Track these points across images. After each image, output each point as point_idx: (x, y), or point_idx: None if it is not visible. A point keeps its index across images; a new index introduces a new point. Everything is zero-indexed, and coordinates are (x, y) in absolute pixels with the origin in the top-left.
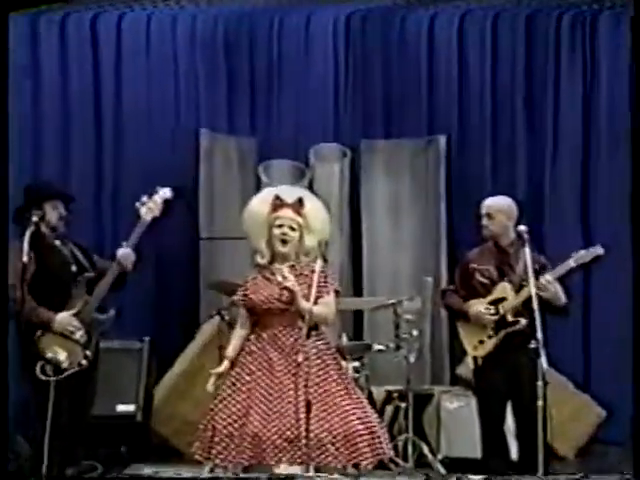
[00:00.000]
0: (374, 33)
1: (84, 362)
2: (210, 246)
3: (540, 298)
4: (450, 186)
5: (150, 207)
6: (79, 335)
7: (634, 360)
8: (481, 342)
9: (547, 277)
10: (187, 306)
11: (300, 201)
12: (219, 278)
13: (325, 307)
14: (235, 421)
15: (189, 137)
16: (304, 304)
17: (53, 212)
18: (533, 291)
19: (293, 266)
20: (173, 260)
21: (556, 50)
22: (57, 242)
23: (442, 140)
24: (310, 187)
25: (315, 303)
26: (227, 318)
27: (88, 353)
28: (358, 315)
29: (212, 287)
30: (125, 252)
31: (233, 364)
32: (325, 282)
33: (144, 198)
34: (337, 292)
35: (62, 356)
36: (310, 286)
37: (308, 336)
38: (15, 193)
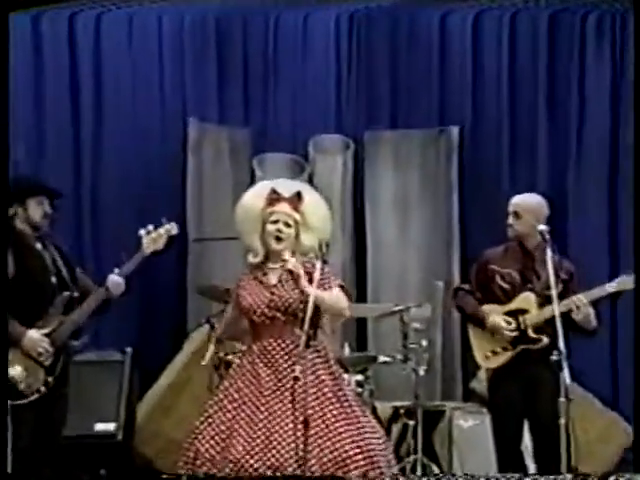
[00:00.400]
0: (381, 22)
1: (43, 389)
2: (199, 247)
3: (568, 316)
4: (463, 180)
5: (154, 238)
6: (45, 358)
7: (635, 361)
8: (494, 353)
9: (580, 298)
10: (174, 313)
11: (298, 195)
12: (209, 282)
13: (333, 295)
14: (218, 443)
15: (176, 127)
16: (309, 288)
17: (37, 209)
18: (557, 308)
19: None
20: (158, 262)
21: (581, 46)
22: (38, 245)
23: (455, 131)
24: (310, 182)
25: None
26: (218, 327)
27: (50, 380)
28: (362, 323)
29: (201, 292)
30: (116, 280)
31: (222, 377)
32: (327, 278)
33: (150, 227)
34: (342, 287)
35: (21, 377)
36: (311, 281)
37: (307, 345)
38: None
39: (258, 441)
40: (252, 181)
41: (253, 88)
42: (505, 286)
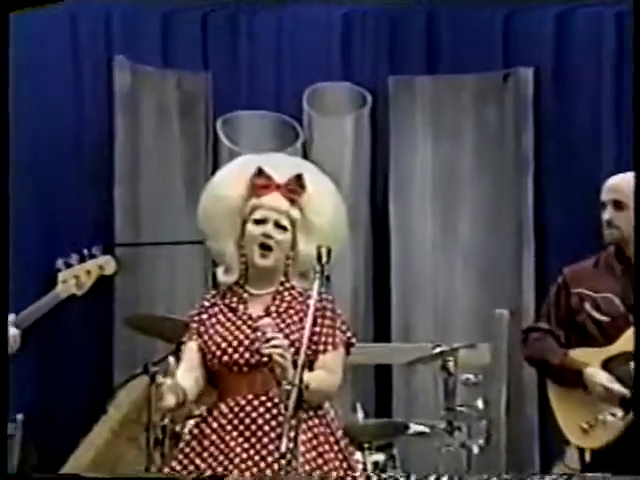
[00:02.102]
0: None
1: None
2: (132, 258)
3: None
4: (540, 152)
5: (76, 277)
6: None
7: (635, 362)
8: (593, 424)
9: None
10: (92, 359)
11: (298, 180)
12: (147, 311)
13: (327, 374)
14: None
15: (97, 75)
16: (295, 377)
17: None
18: None
19: (279, 293)
20: None
21: None
22: None
23: (527, 74)
24: (304, 156)
25: (309, 362)
26: (161, 379)
27: None
28: (383, 374)
29: (133, 324)
30: (10, 334)
31: (166, 456)
32: (329, 325)
33: (73, 258)
34: (349, 345)
35: None
36: (302, 329)
37: (295, 414)
38: None
39: None
40: (215, 154)
41: (215, 14)
42: (601, 318)
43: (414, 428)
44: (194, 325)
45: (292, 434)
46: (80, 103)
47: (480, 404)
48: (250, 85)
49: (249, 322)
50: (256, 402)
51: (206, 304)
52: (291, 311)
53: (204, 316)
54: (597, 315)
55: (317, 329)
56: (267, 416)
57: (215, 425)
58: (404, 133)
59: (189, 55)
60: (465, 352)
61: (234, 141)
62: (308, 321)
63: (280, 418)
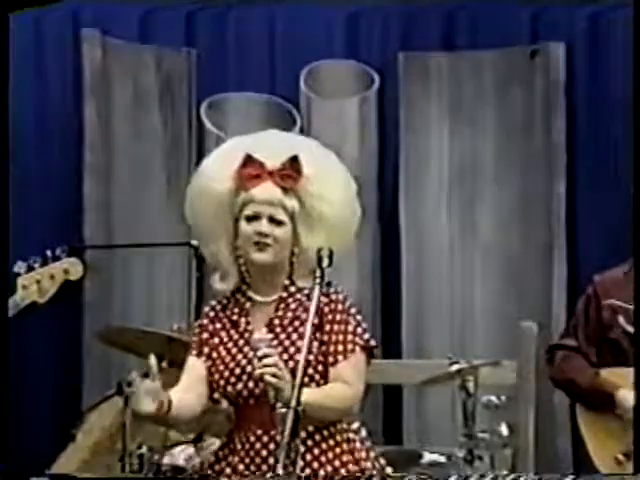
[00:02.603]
0: None
1: None
2: (102, 260)
3: None
4: (573, 137)
5: (38, 281)
6: None
7: (635, 362)
8: (628, 457)
9: None
10: (56, 377)
11: (293, 164)
12: (119, 322)
13: (340, 387)
14: None
15: (61, 45)
16: (293, 397)
17: None
18: None
19: (283, 301)
20: None
21: None
22: None
23: (558, 50)
24: None
25: (315, 374)
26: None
27: None
28: (393, 394)
29: (105, 338)
30: None
31: None
32: (337, 331)
33: (33, 261)
34: (369, 348)
35: None
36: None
37: (292, 439)
38: None
39: None
40: (199, 143)
41: None
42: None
43: (428, 457)
44: (195, 339)
45: (292, 459)
46: (42, 83)
47: (504, 430)
48: (239, 63)
49: (247, 338)
50: (266, 438)
51: (205, 322)
52: (297, 322)
53: (204, 335)
54: (632, 329)
55: (325, 337)
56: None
57: (231, 459)
58: (416, 118)
59: (170, 28)
60: (487, 370)
61: (221, 127)
62: (306, 335)
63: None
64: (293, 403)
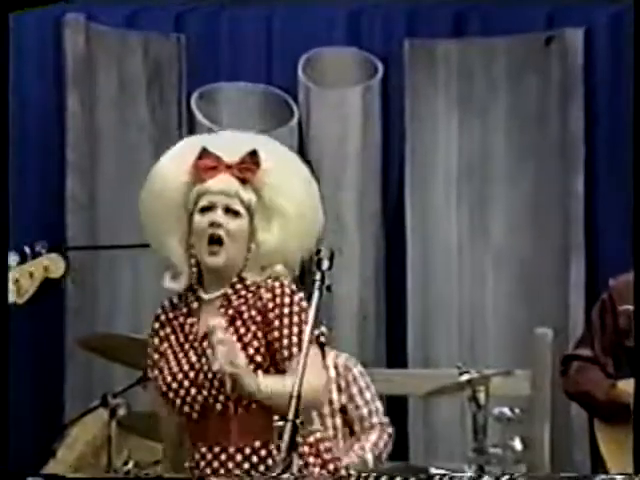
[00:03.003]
0: None
1: None
2: (86, 262)
3: None
4: (591, 129)
5: (16, 282)
6: None
7: (634, 362)
8: None
9: None
10: (37, 387)
11: (252, 157)
12: (104, 328)
13: (312, 376)
14: None
15: (41, 31)
16: (254, 384)
17: None
18: None
19: (227, 298)
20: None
21: None
22: None
23: (575, 36)
24: (300, 138)
25: (272, 367)
26: (121, 412)
27: None
28: (398, 405)
29: (89, 346)
30: None
31: None
32: (293, 314)
33: (11, 259)
34: (322, 344)
35: None
36: (256, 338)
37: (290, 452)
38: None
39: None
40: (190, 135)
41: None
42: None
43: (435, 472)
44: (149, 350)
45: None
46: (22, 72)
47: (517, 445)
48: (233, 50)
49: (195, 345)
50: (209, 456)
51: (156, 326)
52: (238, 322)
53: (155, 340)
54: None
55: (275, 334)
56: (222, 471)
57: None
58: (423, 109)
59: (158, 13)
60: (499, 380)
61: (213, 119)
62: (306, 336)
63: (237, 472)
64: (290, 415)
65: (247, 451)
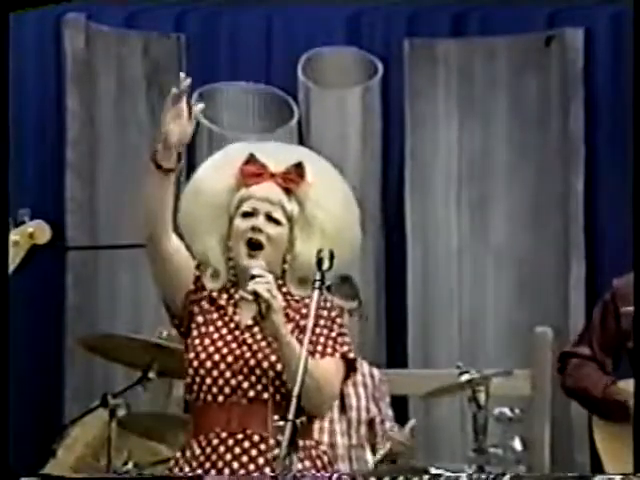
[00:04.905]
0: None
1: None
2: (86, 262)
3: None
4: (591, 130)
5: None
6: None
7: (634, 362)
8: None
9: None
10: (35, 387)
11: (297, 169)
12: (104, 328)
13: (323, 369)
14: None
15: (42, 31)
16: (281, 321)
17: None
18: None
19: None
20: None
21: None
22: None
23: (575, 36)
24: (300, 138)
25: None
26: (121, 412)
27: None
28: (398, 406)
29: (89, 346)
30: None
31: None
32: (324, 327)
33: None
34: (349, 361)
35: None
36: (301, 333)
37: (290, 451)
38: None
39: None
40: (192, 136)
41: None
42: None
43: (436, 473)
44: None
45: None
46: (22, 72)
47: (518, 445)
48: (233, 50)
49: (236, 332)
50: (231, 441)
51: (193, 297)
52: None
53: (199, 318)
54: None
55: (313, 338)
56: (244, 459)
57: (187, 469)
58: (423, 110)
59: (158, 13)
60: (499, 381)
61: (214, 120)
62: (306, 336)
63: (260, 461)
64: (290, 415)
65: (271, 441)
